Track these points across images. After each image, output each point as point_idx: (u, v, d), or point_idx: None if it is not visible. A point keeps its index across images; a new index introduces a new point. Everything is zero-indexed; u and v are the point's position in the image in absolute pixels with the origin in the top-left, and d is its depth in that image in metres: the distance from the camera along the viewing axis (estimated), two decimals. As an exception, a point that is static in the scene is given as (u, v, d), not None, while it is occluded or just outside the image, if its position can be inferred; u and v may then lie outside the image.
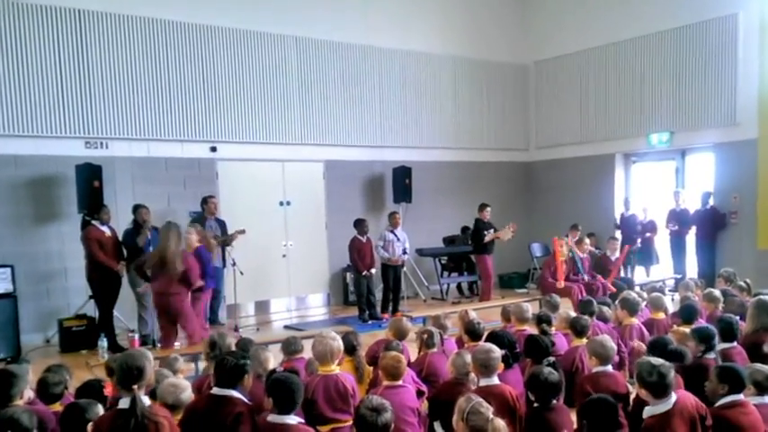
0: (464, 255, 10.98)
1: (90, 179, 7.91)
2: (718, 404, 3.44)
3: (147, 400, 3.10)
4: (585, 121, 12.05)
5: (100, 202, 7.82)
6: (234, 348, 4.65)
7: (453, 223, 11.36)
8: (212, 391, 3.39)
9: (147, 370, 3.11)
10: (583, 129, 12.09)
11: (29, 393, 3.77)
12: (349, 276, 10.42)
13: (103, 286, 7.56)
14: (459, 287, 11.35)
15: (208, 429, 3.21)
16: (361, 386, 4.54)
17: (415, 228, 10.80)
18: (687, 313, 5.40)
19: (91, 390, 3.81)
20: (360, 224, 9.07)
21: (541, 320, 5.48)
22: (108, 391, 3.91)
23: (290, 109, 10.04)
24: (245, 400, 3.40)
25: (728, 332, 4.60)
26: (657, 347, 4.28)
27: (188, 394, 3.61)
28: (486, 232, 9.61)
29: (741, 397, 3.45)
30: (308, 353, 4.71)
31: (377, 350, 4.88)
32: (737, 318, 4.90)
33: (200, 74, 9.26)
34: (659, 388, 3.20)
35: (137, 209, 7.85)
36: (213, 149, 9.45)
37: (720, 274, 7.57)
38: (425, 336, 4.97)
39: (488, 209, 9.78)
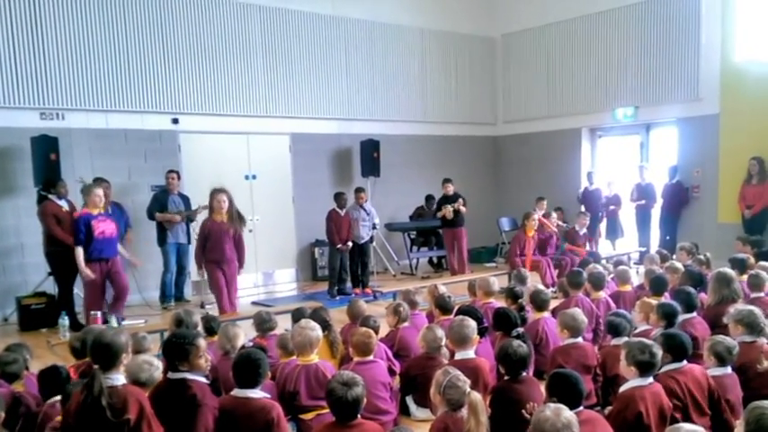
0: (433, 229, 10.98)
1: (46, 152, 7.62)
2: (663, 370, 3.51)
3: (121, 379, 3.01)
4: (552, 96, 12.07)
5: (57, 175, 7.55)
6: (200, 326, 4.58)
7: (422, 198, 11.32)
8: (168, 376, 3.34)
9: (121, 349, 3.03)
10: (549, 103, 12.12)
11: None
12: (318, 252, 10.32)
13: (62, 263, 7.28)
14: (430, 261, 11.37)
15: (169, 412, 3.17)
16: (334, 360, 4.53)
17: (384, 202, 10.74)
18: (657, 285, 5.49)
19: (54, 375, 3.67)
20: (338, 197, 9.04)
21: (516, 297, 5.50)
22: (73, 374, 3.81)
23: (254, 80, 9.78)
24: (200, 379, 3.32)
25: (688, 303, 4.71)
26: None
27: (160, 373, 3.54)
28: (444, 206, 9.70)
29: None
30: (279, 329, 4.65)
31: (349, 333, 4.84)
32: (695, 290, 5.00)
33: (161, 42, 8.92)
34: (648, 366, 3.31)
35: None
36: (175, 121, 9.16)
37: (682, 247, 7.71)
38: (399, 309, 4.96)
39: (449, 184, 9.82)
